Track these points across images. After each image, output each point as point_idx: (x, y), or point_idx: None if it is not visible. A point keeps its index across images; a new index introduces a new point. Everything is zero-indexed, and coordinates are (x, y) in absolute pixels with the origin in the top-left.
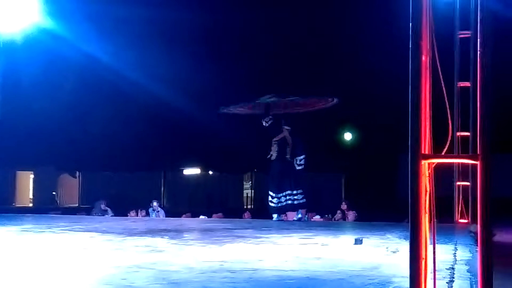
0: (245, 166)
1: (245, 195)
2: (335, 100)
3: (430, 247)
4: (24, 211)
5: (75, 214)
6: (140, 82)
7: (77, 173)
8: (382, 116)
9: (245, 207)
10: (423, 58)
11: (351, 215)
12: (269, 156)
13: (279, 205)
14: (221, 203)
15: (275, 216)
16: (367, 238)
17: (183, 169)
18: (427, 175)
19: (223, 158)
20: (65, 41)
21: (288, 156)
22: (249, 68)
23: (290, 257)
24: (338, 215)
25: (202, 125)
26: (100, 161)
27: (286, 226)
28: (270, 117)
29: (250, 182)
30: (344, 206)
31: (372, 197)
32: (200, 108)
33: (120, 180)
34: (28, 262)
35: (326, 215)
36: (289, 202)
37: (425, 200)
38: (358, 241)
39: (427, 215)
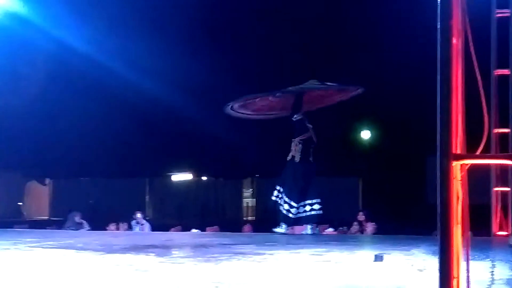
0: (245, 171)
1: (245, 204)
2: (361, 90)
3: (463, 264)
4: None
5: (45, 228)
6: (122, 74)
7: (47, 180)
8: (405, 110)
9: (245, 218)
10: (454, 41)
11: (369, 227)
12: (289, 157)
13: (298, 215)
14: (217, 214)
15: (283, 228)
16: (389, 254)
17: (171, 175)
18: (459, 178)
19: (219, 162)
20: (32, 26)
21: (311, 158)
22: (252, 59)
23: (298, 278)
24: (355, 227)
25: (194, 123)
26: (74, 166)
27: (293, 241)
28: (300, 114)
29: (251, 189)
30: (361, 217)
31: (395, 205)
32: (192, 105)
33: (97, 188)
34: None
35: (341, 228)
36: (308, 213)
37: (457, 209)
38: (378, 258)
39: (459, 226)
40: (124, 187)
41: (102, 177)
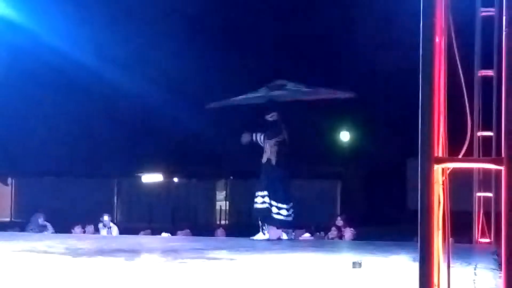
0: (219, 172)
1: (218, 207)
2: (352, 94)
3: (444, 272)
4: None
5: (6, 231)
6: (93, 68)
7: (9, 179)
8: (386, 110)
9: (218, 222)
10: (437, 40)
11: (348, 232)
12: (265, 160)
13: (289, 218)
14: (189, 218)
15: (284, 234)
16: (368, 260)
17: (141, 175)
18: (441, 183)
19: (191, 162)
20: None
21: (285, 160)
22: (232, 56)
23: (273, 285)
24: (333, 232)
25: (166, 121)
26: (38, 165)
27: (268, 247)
28: (275, 113)
29: (225, 192)
30: (339, 222)
31: (375, 210)
32: (165, 101)
33: (62, 189)
34: None
35: (318, 233)
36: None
37: (438, 214)
38: (356, 265)
39: (440, 232)
40: (91, 187)
41: (67, 176)
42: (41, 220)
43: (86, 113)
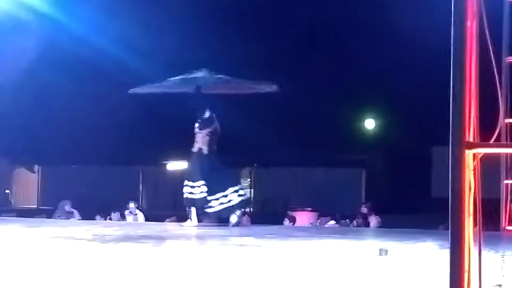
0: (243, 160)
1: None
2: (274, 87)
3: (474, 258)
4: None
5: (33, 217)
6: (118, 57)
7: (36, 167)
8: (412, 98)
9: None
10: (468, 23)
11: (373, 220)
12: (196, 149)
13: (219, 207)
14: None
15: (194, 221)
16: (394, 248)
17: (166, 163)
18: (472, 168)
19: (216, 150)
20: (24, 5)
21: (215, 148)
22: (253, 44)
23: (300, 271)
24: (358, 220)
25: (189, 109)
26: (64, 153)
27: (294, 234)
28: (211, 112)
29: (249, 179)
30: (364, 210)
31: (399, 198)
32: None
33: (88, 176)
34: None
35: (343, 220)
36: (232, 202)
37: (469, 200)
38: (382, 252)
39: (471, 217)
40: (117, 175)
41: (93, 164)
42: (67, 207)
43: (112, 102)
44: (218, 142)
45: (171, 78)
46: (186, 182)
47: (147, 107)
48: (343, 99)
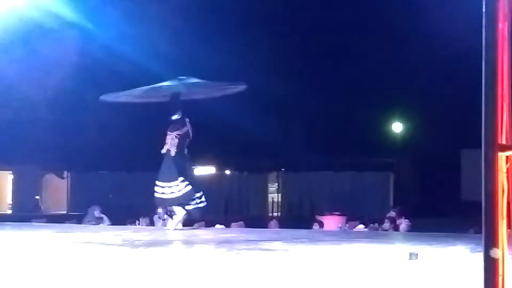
0: (271, 164)
1: (270, 200)
2: (243, 86)
3: (508, 261)
4: (1, 219)
5: (63, 223)
6: (143, 64)
7: (65, 173)
8: (440, 101)
9: (270, 214)
10: (500, 25)
11: (403, 224)
12: (165, 151)
13: (200, 206)
14: (241, 210)
15: (174, 223)
16: (424, 252)
17: (194, 168)
18: (505, 171)
19: (243, 155)
20: (57, 16)
21: (186, 152)
22: (279, 45)
23: (330, 275)
24: (386, 224)
25: (216, 113)
26: (93, 159)
27: (322, 238)
28: (179, 112)
29: (277, 184)
30: (393, 213)
31: (428, 202)
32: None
33: (117, 182)
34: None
35: (372, 224)
36: (198, 206)
37: (503, 203)
38: (413, 256)
39: (505, 221)
40: (145, 180)
41: (121, 170)
42: (97, 213)
43: (140, 111)
44: (188, 146)
45: (140, 88)
46: (156, 182)
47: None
48: (370, 103)
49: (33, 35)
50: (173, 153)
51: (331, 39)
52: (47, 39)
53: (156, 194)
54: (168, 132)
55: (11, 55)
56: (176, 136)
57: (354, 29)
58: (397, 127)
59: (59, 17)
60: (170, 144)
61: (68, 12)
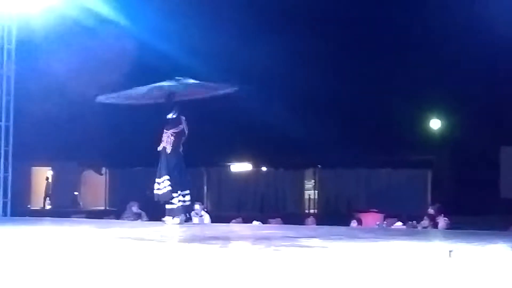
0: (307, 161)
1: (306, 196)
2: (234, 88)
3: None
4: (41, 214)
5: (102, 219)
6: (179, 61)
7: (104, 169)
8: (479, 97)
9: (307, 211)
10: None
11: (442, 221)
12: (161, 148)
13: (186, 204)
14: (277, 207)
15: (178, 219)
16: (464, 249)
17: (230, 165)
18: None
19: (279, 151)
20: (91, 12)
21: (181, 150)
22: (316, 42)
23: (369, 272)
24: (425, 221)
25: (253, 112)
26: (130, 155)
27: (360, 235)
28: (175, 110)
29: (313, 181)
30: (431, 211)
31: (466, 199)
32: (252, 92)
33: (154, 178)
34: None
35: (410, 222)
36: (184, 203)
37: None
38: (453, 254)
39: None
40: None
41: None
42: (135, 209)
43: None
44: (184, 143)
45: (138, 87)
46: (156, 180)
47: (210, 110)
48: (408, 99)
49: (73, 33)
50: (168, 150)
51: (369, 36)
52: (88, 36)
53: (154, 191)
54: (165, 130)
55: (55, 53)
56: (172, 134)
57: (392, 26)
58: (435, 123)
59: (93, 13)
60: (166, 142)
61: (102, 8)
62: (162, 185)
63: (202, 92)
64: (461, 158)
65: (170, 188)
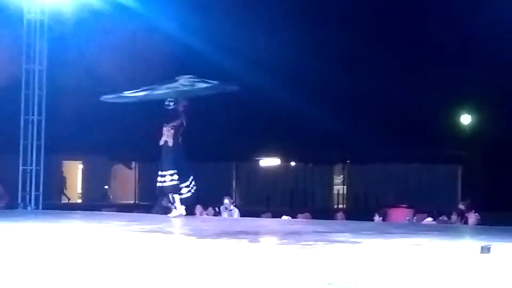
0: (336, 156)
1: (335, 191)
2: (235, 87)
3: None
4: (72, 207)
5: (132, 212)
6: (209, 57)
7: (134, 163)
8: (509, 92)
9: (335, 206)
10: None
11: (472, 217)
12: (162, 142)
13: (186, 195)
14: (306, 202)
15: (178, 210)
16: (496, 245)
17: (259, 160)
18: None
19: (308, 146)
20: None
21: (181, 141)
22: (346, 38)
23: (400, 268)
24: (455, 217)
25: (282, 107)
26: (159, 149)
27: (390, 230)
28: (172, 100)
29: (342, 176)
30: (462, 206)
31: (497, 195)
32: (281, 88)
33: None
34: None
35: (440, 217)
36: (190, 193)
37: None
38: (485, 250)
39: None
40: (210, 171)
41: (188, 161)
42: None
43: (204, 102)
44: (183, 134)
45: (139, 94)
46: (159, 173)
47: (240, 105)
48: (438, 94)
49: (106, 29)
50: (170, 143)
51: (402, 30)
52: (120, 32)
53: (158, 184)
54: (164, 124)
55: (87, 48)
56: (171, 128)
57: (425, 20)
58: (466, 119)
59: (119, 5)
60: (167, 136)
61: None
62: (167, 178)
63: (207, 91)
64: (492, 154)
65: (177, 181)
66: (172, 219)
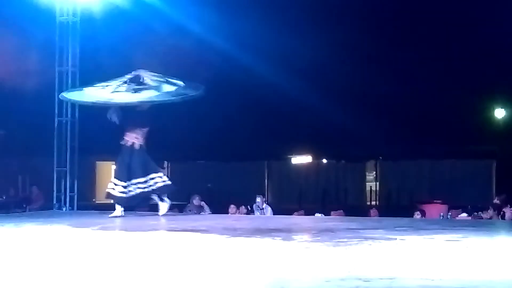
0: (368, 153)
1: (368, 188)
2: (201, 91)
3: None
4: (105, 207)
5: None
6: (238, 56)
7: (165, 163)
8: None
9: (368, 203)
10: None
11: (508, 212)
12: (130, 144)
13: (131, 193)
14: (338, 199)
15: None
16: None
17: (291, 157)
18: None
19: (340, 143)
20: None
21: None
22: (371, 36)
23: (435, 263)
24: (490, 212)
25: (314, 105)
26: (192, 149)
27: (425, 226)
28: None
29: (374, 172)
30: (497, 201)
31: None
32: (312, 86)
33: (215, 172)
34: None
35: (475, 213)
36: (153, 186)
37: None
38: None
39: None
40: (242, 170)
41: (220, 160)
42: (197, 201)
43: (236, 101)
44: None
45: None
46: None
47: (269, 104)
48: (471, 89)
49: (137, 31)
50: (137, 146)
51: (433, 26)
52: (151, 36)
53: (136, 190)
54: (132, 128)
55: (118, 51)
56: (140, 129)
57: (455, 14)
58: (499, 113)
59: (149, 7)
60: (135, 137)
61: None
62: (157, 179)
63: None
64: None
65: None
66: (209, 218)
